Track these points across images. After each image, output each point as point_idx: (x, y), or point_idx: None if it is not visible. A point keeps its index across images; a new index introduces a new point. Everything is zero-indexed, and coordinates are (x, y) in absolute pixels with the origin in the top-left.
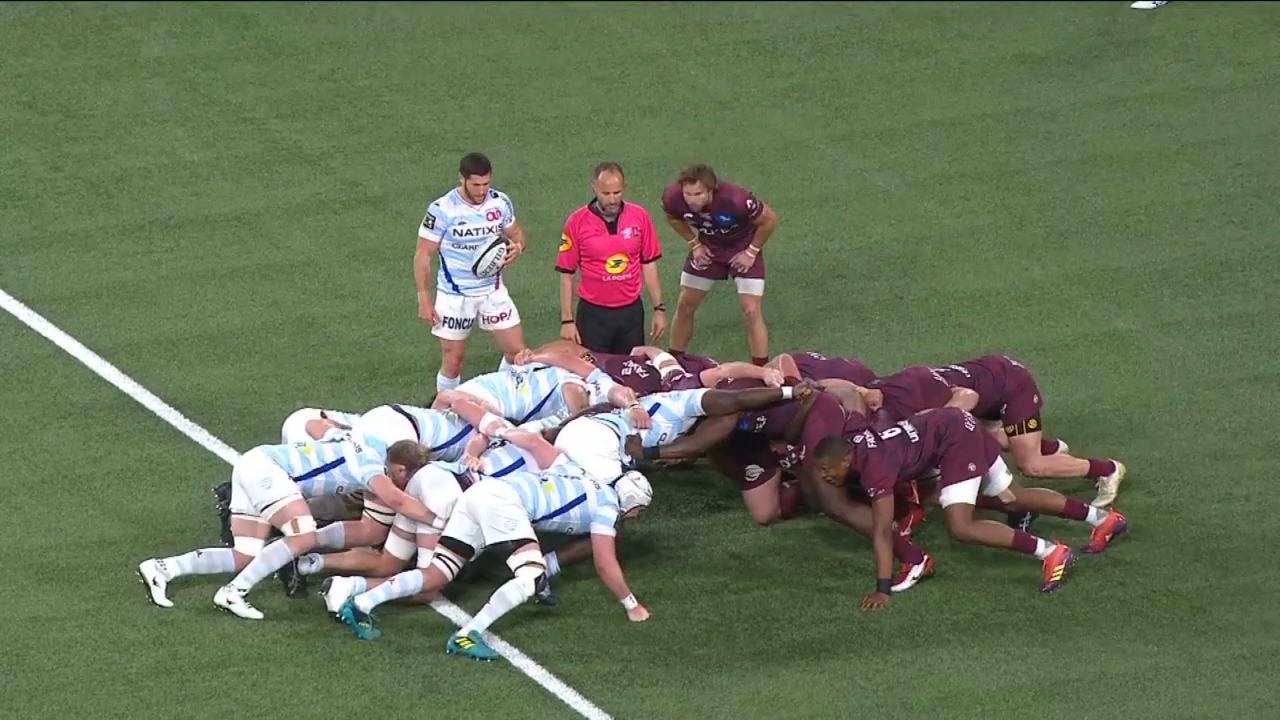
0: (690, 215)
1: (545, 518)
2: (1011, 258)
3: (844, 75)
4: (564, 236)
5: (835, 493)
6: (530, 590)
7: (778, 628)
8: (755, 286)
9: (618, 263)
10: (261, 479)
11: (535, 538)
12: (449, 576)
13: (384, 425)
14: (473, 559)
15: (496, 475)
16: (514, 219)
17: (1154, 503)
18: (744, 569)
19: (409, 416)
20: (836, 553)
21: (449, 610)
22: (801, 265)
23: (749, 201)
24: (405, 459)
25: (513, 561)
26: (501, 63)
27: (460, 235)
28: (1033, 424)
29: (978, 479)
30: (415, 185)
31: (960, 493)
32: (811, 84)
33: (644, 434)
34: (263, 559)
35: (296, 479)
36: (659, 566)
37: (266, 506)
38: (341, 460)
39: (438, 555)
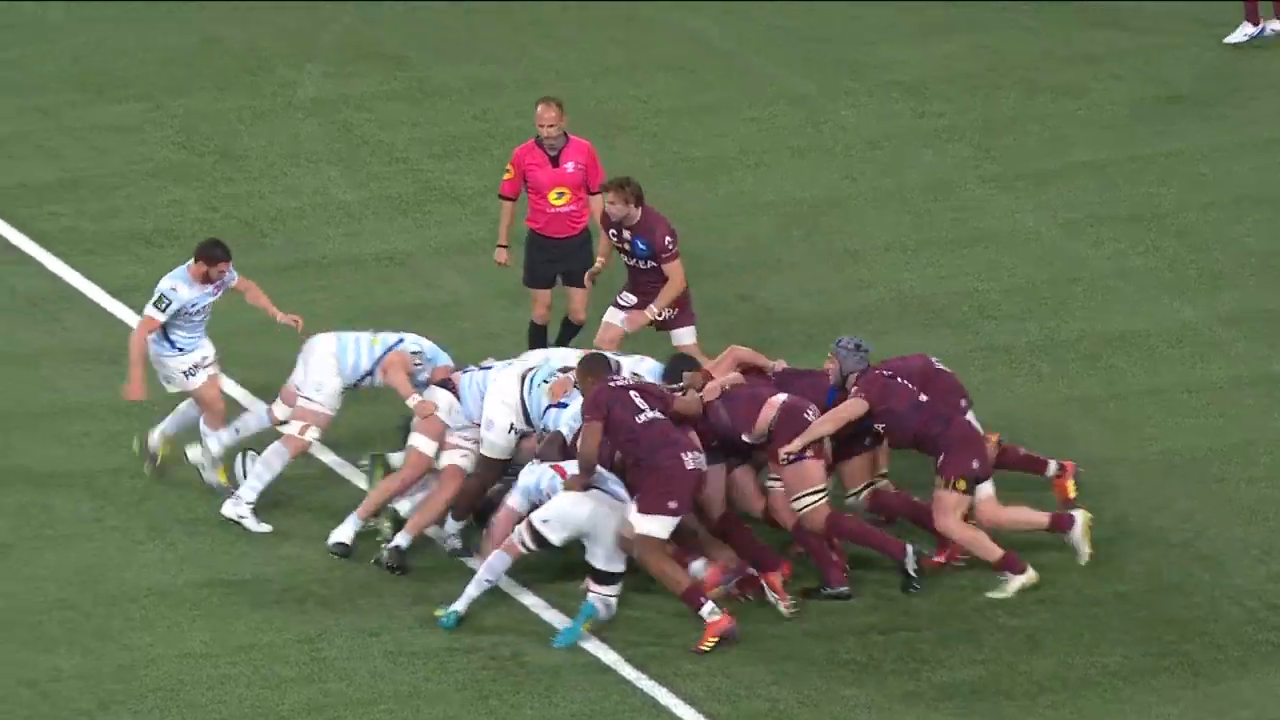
0: (613, 230)
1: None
2: (1163, 299)
3: (995, 116)
4: (508, 166)
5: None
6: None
7: (927, 669)
8: (684, 336)
9: (560, 195)
10: (316, 381)
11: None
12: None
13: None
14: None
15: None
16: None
17: None
18: (892, 610)
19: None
20: (984, 594)
21: (599, 649)
22: (951, 305)
23: (667, 239)
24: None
25: (603, 590)
26: (652, 103)
27: (190, 315)
28: (961, 485)
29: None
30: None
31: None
32: (962, 125)
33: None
34: (264, 464)
35: (363, 374)
36: (808, 607)
37: (303, 398)
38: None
39: (522, 541)
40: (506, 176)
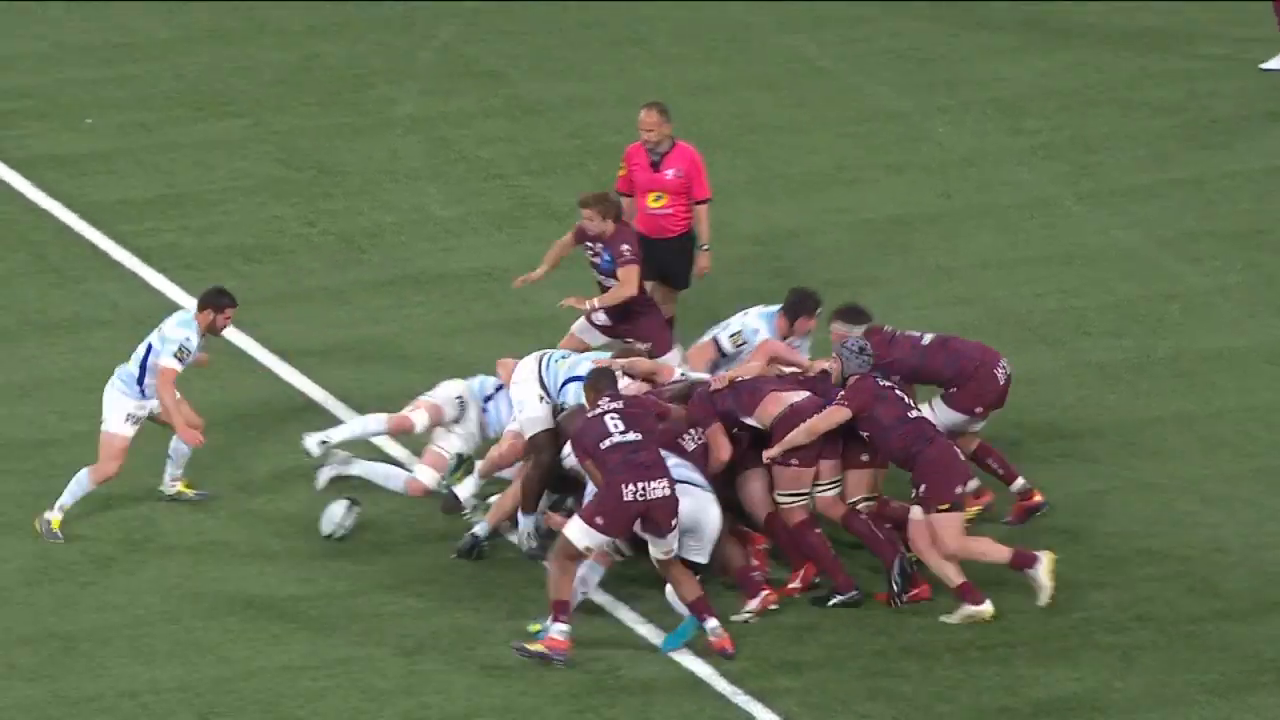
0: (587, 245)
1: None
2: (1261, 316)
3: (1091, 133)
4: (621, 163)
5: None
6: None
7: (1023, 686)
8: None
9: (657, 198)
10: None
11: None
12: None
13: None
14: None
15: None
16: None
17: None
18: (989, 627)
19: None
20: (1082, 612)
21: (694, 663)
22: (1048, 322)
23: (624, 246)
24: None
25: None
26: (748, 119)
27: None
28: (944, 506)
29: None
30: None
31: None
32: (1058, 141)
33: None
34: (362, 422)
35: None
36: (904, 624)
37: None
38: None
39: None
40: (620, 173)
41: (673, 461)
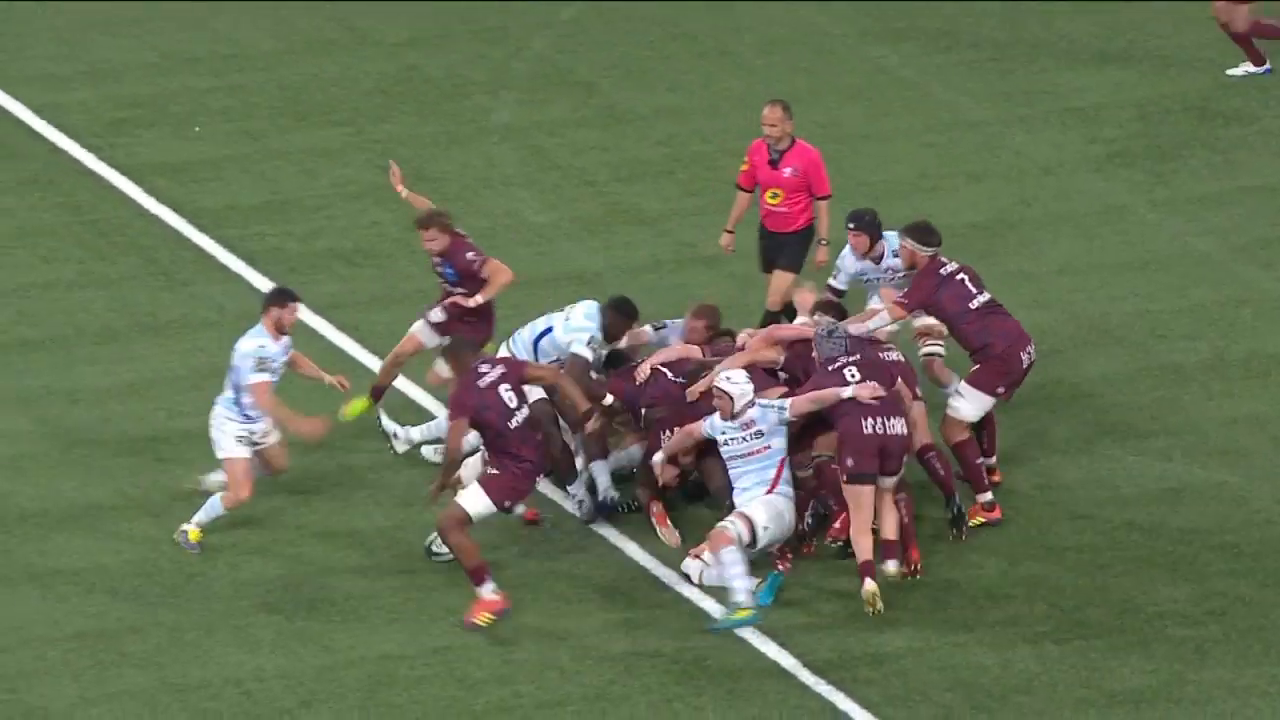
0: (435, 263)
1: None
2: None
3: (1166, 141)
4: (745, 157)
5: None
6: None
7: (1098, 677)
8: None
9: (774, 195)
10: None
11: None
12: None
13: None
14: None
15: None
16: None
17: None
18: (1064, 620)
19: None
20: (1156, 605)
21: (779, 654)
22: (1123, 325)
23: (469, 254)
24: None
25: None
26: (832, 129)
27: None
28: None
29: None
30: (749, 248)
31: None
32: (1134, 150)
33: None
34: (439, 425)
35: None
36: (981, 617)
37: None
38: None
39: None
40: (743, 168)
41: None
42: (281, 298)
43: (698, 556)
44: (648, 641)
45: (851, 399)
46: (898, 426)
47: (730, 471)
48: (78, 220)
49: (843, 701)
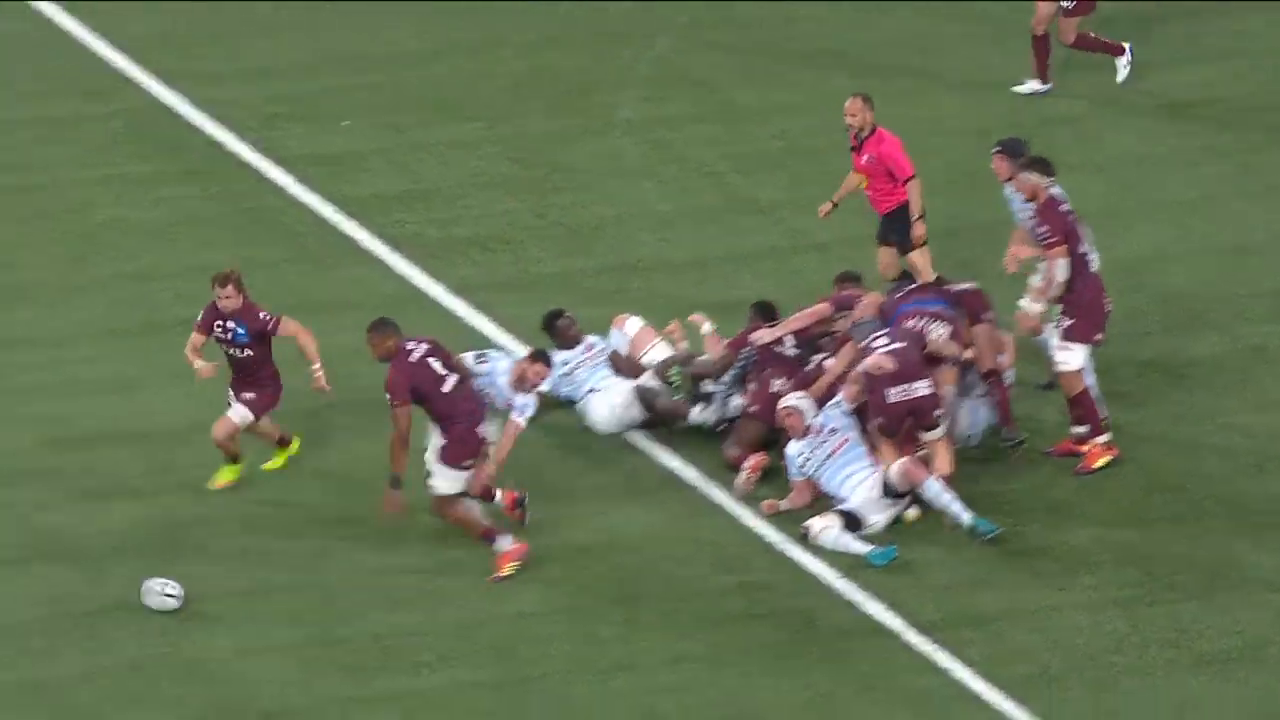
0: (219, 324)
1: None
2: None
3: (1255, 135)
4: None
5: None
6: None
7: (1187, 639)
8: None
9: (862, 180)
10: None
11: None
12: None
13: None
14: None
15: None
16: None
17: None
18: (1154, 584)
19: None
20: (1242, 572)
21: (885, 615)
22: (1211, 309)
23: (262, 314)
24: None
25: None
26: (936, 123)
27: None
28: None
29: None
30: (858, 234)
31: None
32: (1223, 143)
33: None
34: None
35: None
36: (1075, 581)
37: None
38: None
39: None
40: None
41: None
42: (536, 358)
43: (806, 519)
44: (761, 602)
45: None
46: (921, 389)
47: (829, 479)
48: (234, 208)
49: (945, 660)
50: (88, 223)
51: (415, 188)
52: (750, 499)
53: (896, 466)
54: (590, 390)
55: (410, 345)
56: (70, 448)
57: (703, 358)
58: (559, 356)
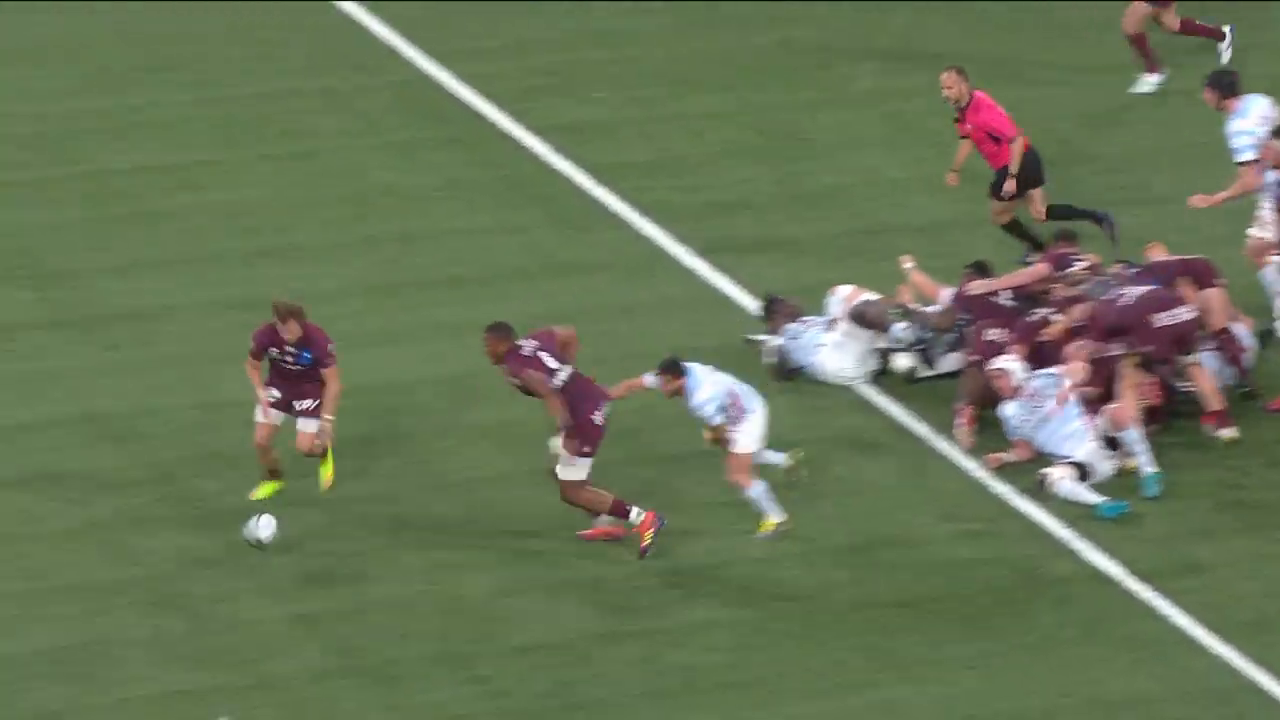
0: (288, 350)
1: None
2: None
3: None
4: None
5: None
6: None
7: None
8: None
9: (972, 146)
10: None
11: None
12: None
13: None
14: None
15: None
16: None
17: None
18: None
19: None
20: None
21: (1107, 563)
22: None
23: (331, 345)
24: None
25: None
26: (1073, 106)
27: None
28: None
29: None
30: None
31: None
32: None
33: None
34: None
35: None
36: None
37: None
38: None
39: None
40: None
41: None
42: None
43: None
44: (987, 549)
45: (1130, 307)
46: (1183, 314)
47: (1045, 440)
48: (493, 174)
49: (1165, 607)
50: (359, 186)
51: (663, 156)
52: (975, 451)
53: (1111, 411)
54: (818, 346)
55: (521, 343)
56: (343, 395)
57: (931, 308)
58: (789, 328)
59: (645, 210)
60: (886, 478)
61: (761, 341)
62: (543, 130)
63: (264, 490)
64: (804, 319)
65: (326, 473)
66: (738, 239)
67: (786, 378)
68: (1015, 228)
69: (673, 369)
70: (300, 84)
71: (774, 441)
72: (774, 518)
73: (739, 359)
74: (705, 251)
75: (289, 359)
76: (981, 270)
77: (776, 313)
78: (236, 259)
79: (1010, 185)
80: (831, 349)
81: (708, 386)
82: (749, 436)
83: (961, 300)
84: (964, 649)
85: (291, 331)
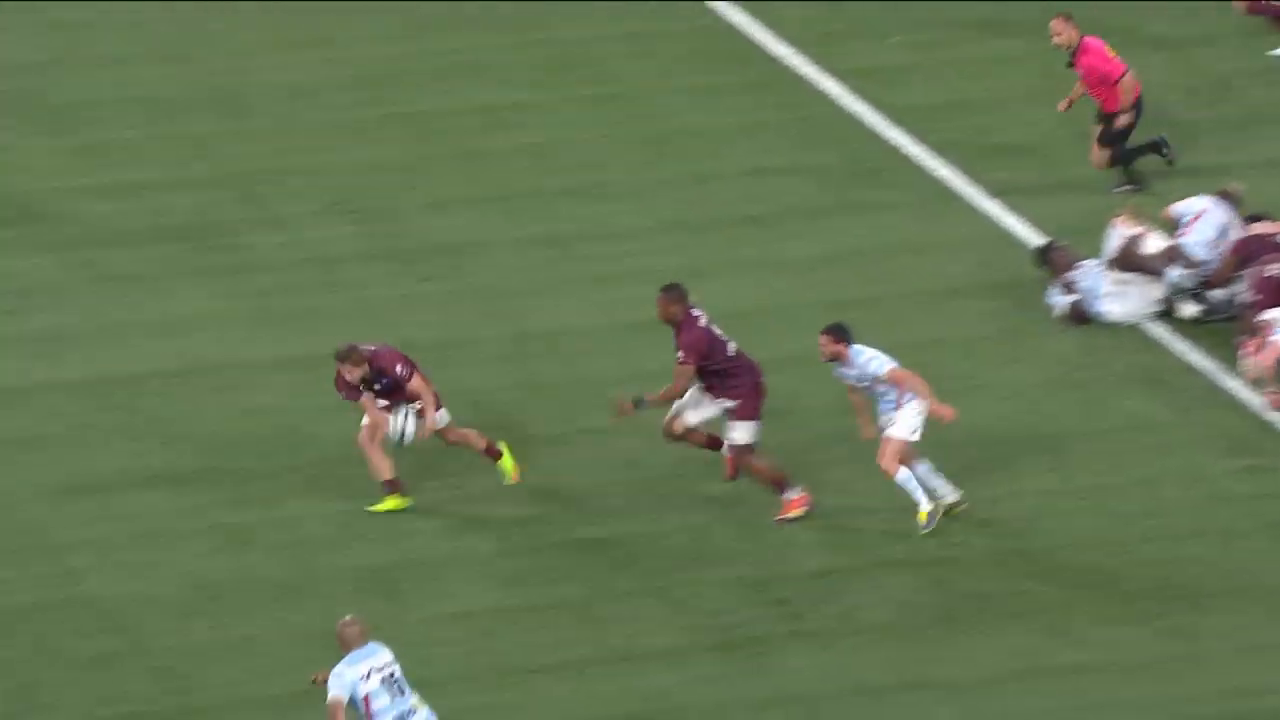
0: (376, 384)
1: None
2: None
3: None
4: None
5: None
6: None
7: None
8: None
9: (1084, 90)
10: None
11: None
12: None
13: None
14: None
15: None
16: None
17: None
18: None
19: None
20: None
21: None
22: None
23: (399, 368)
24: None
25: None
26: (1199, 76)
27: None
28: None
29: None
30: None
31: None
32: None
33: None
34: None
35: None
36: None
37: None
38: None
39: None
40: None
41: None
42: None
43: None
44: (1268, 483)
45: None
46: None
47: None
48: (790, 117)
49: None
50: (662, 128)
51: (953, 98)
52: (1259, 384)
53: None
54: (1102, 296)
55: (696, 312)
56: (643, 330)
57: (1210, 264)
58: (1068, 278)
59: (938, 151)
60: (1168, 413)
61: (1050, 306)
62: (839, 74)
63: (387, 504)
64: (1079, 264)
65: (508, 467)
66: (1025, 181)
67: (1080, 325)
68: (1129, 157)
69: (839, 332)
70: (607, 29)
71: (1061, 380)
72: (925, 506)
73: (1026, 297)
74: (995, 193)
75: (376, 389)
76: (1256, 217)
77: (1054, 262)
78: (544, 197)
79: (1123, 120)
80: (1114, 297)
81: (870, 357)
82: (906, 425)
83: (1240, 246)
84: (1251, 577)
85: (353, 373)
